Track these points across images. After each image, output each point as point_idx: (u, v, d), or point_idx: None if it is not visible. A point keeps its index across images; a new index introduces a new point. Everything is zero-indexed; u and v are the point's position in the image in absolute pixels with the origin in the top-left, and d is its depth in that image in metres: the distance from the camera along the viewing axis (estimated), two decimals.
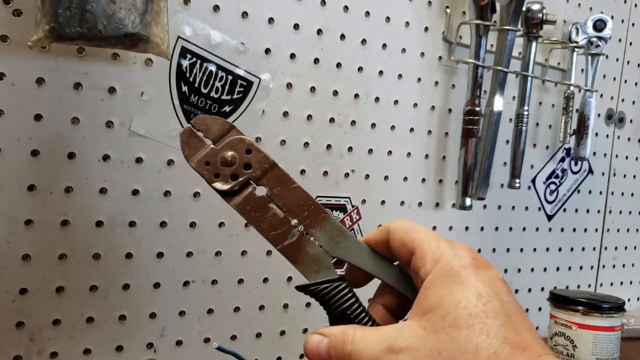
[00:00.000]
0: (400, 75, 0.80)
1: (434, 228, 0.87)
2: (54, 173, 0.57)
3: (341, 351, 0.35)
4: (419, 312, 0.33)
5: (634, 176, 1.14)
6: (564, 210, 1.04)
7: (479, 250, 0.93)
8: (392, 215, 0.82)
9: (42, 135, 0.56)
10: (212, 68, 0.64)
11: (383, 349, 0.33)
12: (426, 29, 0.81)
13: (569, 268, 1.07)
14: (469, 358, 0.30)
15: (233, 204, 0.38)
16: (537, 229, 1.01)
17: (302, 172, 0.72)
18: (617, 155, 1.11)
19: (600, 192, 1.10)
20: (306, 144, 0.73)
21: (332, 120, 0.74)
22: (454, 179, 0.87)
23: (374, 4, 0.76)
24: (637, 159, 1.14)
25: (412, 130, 0.82)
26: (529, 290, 1.01)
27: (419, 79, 0.82)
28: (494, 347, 0.30)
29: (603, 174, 1.09)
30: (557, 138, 1.00)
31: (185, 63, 0.62)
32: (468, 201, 0.83)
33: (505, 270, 0.97)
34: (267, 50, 0.68)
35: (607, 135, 1.09)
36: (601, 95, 1.06)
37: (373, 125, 0.78)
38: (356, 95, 0.76)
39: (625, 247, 1.16)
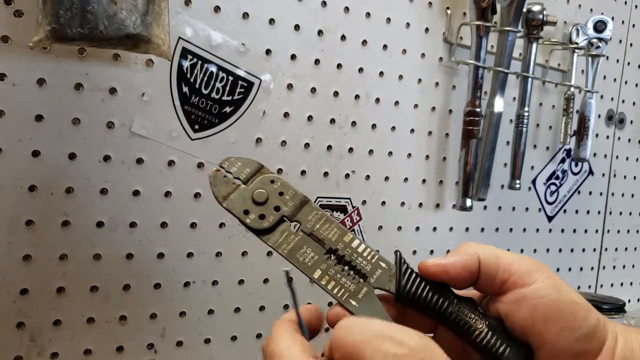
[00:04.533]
0: (400, 76, 0.80)
1: (435, 229, 0.87)
2: (55, 173, 0.57)
3: None
4: None
5: (634, 177, 1.14)
6: (564, 211, 1.04)
7: None
8: (393, 216, 0.82)
9: (43, 136, 0.56)
10: (213, 69, 0.64)
11: None
12: (427, 30, 0.82)
13: (569, 269, 1.07)
14: None
15: (270, 242, 0.38)
16: (537, 230, 1.01)
17: (303, 172, 0.73)
18: (617, 157, 1.11)
19: (601, 193, 1.10)
20: (307, 145, 0.73)
21: (332, 121, 0.74)
22: (454, 180, 0.87)
23: (375, 5, 0.76)
24: (637, 160, 1.14)
25: (412, 131, 0.82)
26: None
27: (420, 80, 0.82)
28: None
29: (603, 175, 1.09)
30: (558, 139, 1.00)
31: (186, 64, 0.62)
32: (468, 202, 0.83)
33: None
34: (268, 51, 0.68)
35: (608, 137, 1.09)
36: (601, 97, 1.06)
37: (373, 126, 0.78)
38: (357, 96, 0.76)
39: (626, 249, 1.16)
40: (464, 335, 0.36)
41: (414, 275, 0.37)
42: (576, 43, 0.95)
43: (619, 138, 1.10)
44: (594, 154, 1.06)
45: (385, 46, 0.78)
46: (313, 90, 0.72)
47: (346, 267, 0.38)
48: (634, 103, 1.11)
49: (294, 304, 0.34)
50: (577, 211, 1.06)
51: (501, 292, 0.37)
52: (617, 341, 0.36)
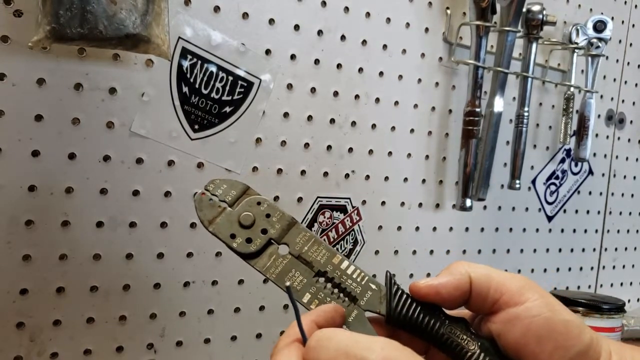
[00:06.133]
0: (400, 76, 0.80)
1: (434, 229, 0.87)
2: (55, 173, 0.57)
3: None
4: None
5: (634, 177, 1.14)
6: (564, 211, 1.04)
7: (479, 251, 0.93)
8: (393, 216, 0.82)
9: (43, 136, 0.56)
10: (213, 69, 0.64)
11: None
12: (427, 29, 0.82)
13: (569, 269, 1.07)
14: None
15: (257, 266, 0.38)
16: (537, 230, 1.01)
17: (303, 172, 0.73)
18: (617, 156, 1.11)
19: (601, 193, 1.10)
20: (306, 145, 0.73)
21: (332, 121, 0.74)
22: (454, 180, 0.87)
23: (375, 4, 0.76)
24: (637, 160, 1.14)
25: (412, 131, 0.82)
26: None
27: (420, 80, 0.82)
28: None
29: (603, 175, 1.09)
30: (558, 139, 1.00)
31: (185, 64, 0.62)
32: (468, 202, 0.83)
33: (506, 271, 0.97)
34: (268, 51, 0.68)
35: (607, 136, 1.09)
36: (601, 96, 1.06)
37: (373, 126, 0.78)
38: (356, 96, 0.76)
39: (625, 248, 1.16)
40: (456, 357, 0.36)
41: (404, 296, 0.37)
42: (576, 43, 0.95)
43: (618, 138, 1.10)
44: (594, 154, 1.06)
45: (385, 46, 0.78)
46: (313, 90, 0.72)
47: (336, 290, 0.37)
48: (633, 103, 1.11)
49: (297, 319, 0.34)
50: (577, 211, 1.06)
51: (493, 312, 0.36)
52: (611, 358, 0.36)
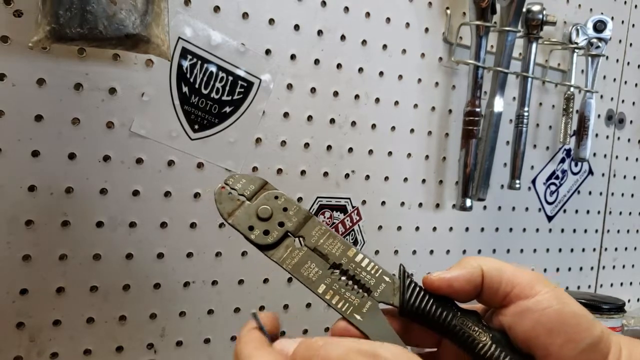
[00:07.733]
0: (400, 76, 0.80)
1: (434, 229, 0.87)
2: (55, 173, 0.57)
3: None
4: None
5: (634, 177, 1.14)
6: (564, 211, 1.04)
7: (479, 251, 0.93)
8: (393, 216, 0.82)
9: (43, 136, 0.56)
10: (213, 69, 0.64)
11: None
12: (426, 29, 0.82)
13: (569, 269, 1.07)
14: None
15: (274, 257, 0.38)
16: (537, 230, 1.01)
17: (303, 172, 0.73)
18: (617, 156, 1.11)
19: (601, 193, 1.10)
20: (306, 145, 0.73)
21: (332, 121, 0.74)
22: (454, 180, 0.87)
23: (375, 4, 0.76)
24: (637, 160, 1.14)
25: (412, 131, 0.82)
26: None
27: (420, 80, 0.82)
28: None
29: (603, 175, 1.09)
30: (558, 139, 1.00)
31: (185, 64, 0.62)
32: (468, 202, 0.83)
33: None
34: (268, 51, 0.68)
35: (607, 136, 1.09)
36: (601, 96, 1.06)
37: (373, 126, 0.78)
38: (356, 96, 0.76)
39: (626, 248, 1.16)
40: (468, 348, 0.36)
41: (417, 289, 0.38)
42: (576, 43, 0.95)
43: (618, 138, 1.10)
44: (594, 154, 1.06)
45: (385, 46, 0.78)
46: (313, 90, 0.72)
47: (350, 282, 0.38)
48: (633, 103, 1.11)
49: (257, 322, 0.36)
50: (577, 211, 1.06)
51: (504, 305, 0.37)
52: (621, 353, 0.36)
